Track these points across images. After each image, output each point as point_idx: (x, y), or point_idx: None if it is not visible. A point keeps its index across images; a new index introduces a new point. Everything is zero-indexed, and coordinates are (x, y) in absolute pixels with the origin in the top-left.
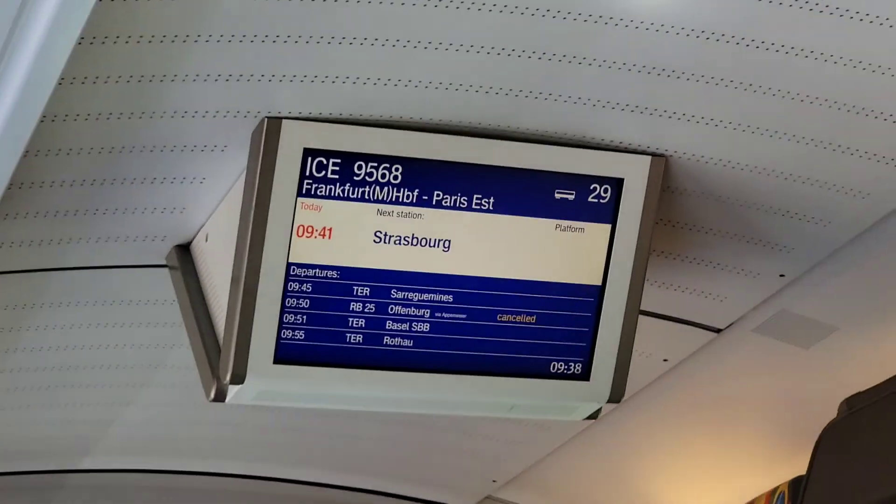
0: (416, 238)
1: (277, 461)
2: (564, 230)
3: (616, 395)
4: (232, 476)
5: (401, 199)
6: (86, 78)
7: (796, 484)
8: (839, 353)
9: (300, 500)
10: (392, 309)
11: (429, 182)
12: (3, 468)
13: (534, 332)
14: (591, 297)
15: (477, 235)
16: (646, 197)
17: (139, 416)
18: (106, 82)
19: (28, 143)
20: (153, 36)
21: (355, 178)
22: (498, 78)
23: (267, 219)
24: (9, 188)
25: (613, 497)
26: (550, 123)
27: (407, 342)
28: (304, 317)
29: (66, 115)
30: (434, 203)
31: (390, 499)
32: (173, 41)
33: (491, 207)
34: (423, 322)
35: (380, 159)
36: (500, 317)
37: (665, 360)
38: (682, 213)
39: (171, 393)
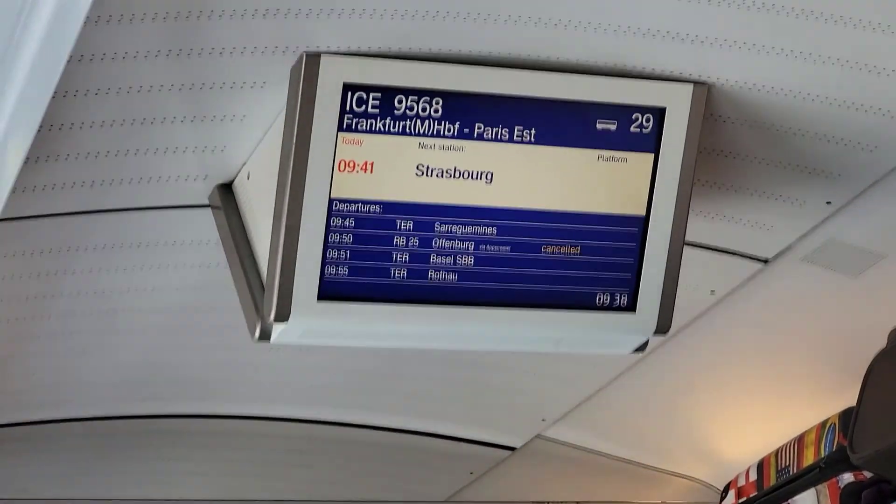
0: (459, 171)
1: (323, 403)
2: (607, 160)
3: (663, 327)
4: (280, 420)
5: (442, 133)
6: (122, 16)
7: (847, 415)
8: (888, 281)
9: (346, 442)
10: (436, 242)
11: (470, 114)
12: (51, 415)
13: (578, 264)
14: (635, 228)
15: (519, 167)
16: (689, 126)
17: (185, 358)
18: (142, 20)
19: (64, 83)
20: None
21: (396, 111)
22: (538, 7)
23: (308, 155)
24: (49, 129)
25: (664, 432)
26: (591, 53)
27: (451, 276)
28: (348, 252)
29: (104, 55)
30: (476, 135)
31: (438, 439)
32: None
33: (532, 139)
34: (468, 255)
35: (420, 93)
36: (544, 248)
37: (712, 293)
38: (726, 142)
39: (217, 336)
